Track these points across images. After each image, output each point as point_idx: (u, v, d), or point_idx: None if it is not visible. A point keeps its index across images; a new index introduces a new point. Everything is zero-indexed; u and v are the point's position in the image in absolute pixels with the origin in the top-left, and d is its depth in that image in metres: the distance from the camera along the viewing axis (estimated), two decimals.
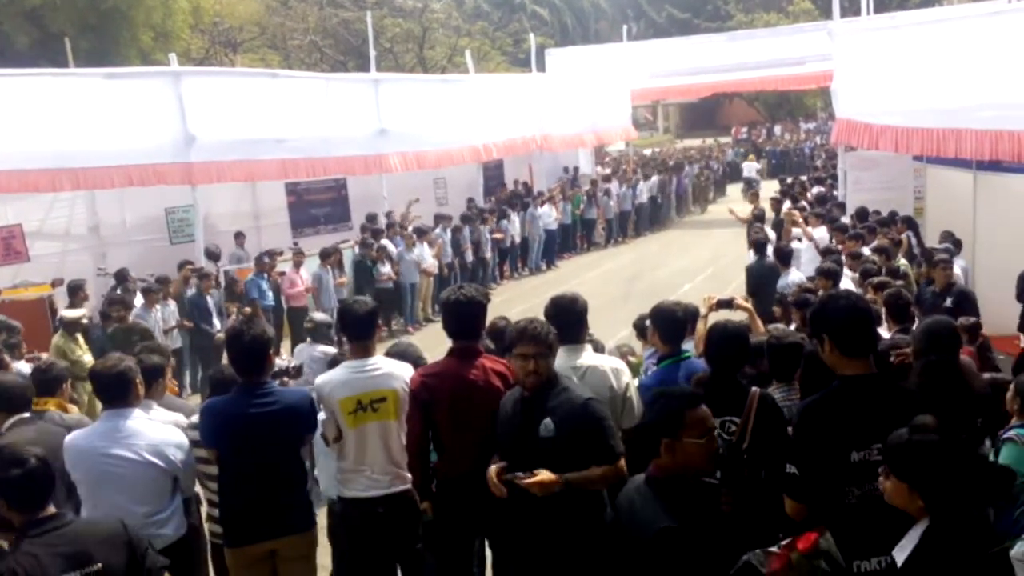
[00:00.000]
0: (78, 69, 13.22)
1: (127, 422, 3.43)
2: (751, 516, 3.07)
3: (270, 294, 9.88)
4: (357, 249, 11.46)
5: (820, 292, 5.97)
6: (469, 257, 13.40)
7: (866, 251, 8.05)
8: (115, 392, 3.45)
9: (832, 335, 2.69)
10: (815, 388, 3.04)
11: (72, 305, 7.99)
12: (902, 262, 7.98)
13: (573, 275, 14.76)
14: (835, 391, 2.70)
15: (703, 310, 4.70)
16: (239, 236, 11.48)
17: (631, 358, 4.42)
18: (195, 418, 3.88)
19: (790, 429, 3.33)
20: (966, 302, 6.41)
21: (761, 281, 8.13)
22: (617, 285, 13.19)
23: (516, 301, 11.74)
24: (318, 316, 6.49)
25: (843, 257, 7.87)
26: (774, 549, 2.46)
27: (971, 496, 2.29)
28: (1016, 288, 7.26)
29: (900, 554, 2.26)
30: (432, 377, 3.48)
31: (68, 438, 3.44)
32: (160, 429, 3.55)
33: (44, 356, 6.38)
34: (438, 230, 12.83)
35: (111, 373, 3.43)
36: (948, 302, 6.51)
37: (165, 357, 4.24)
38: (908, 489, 2.25)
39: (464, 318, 3.50)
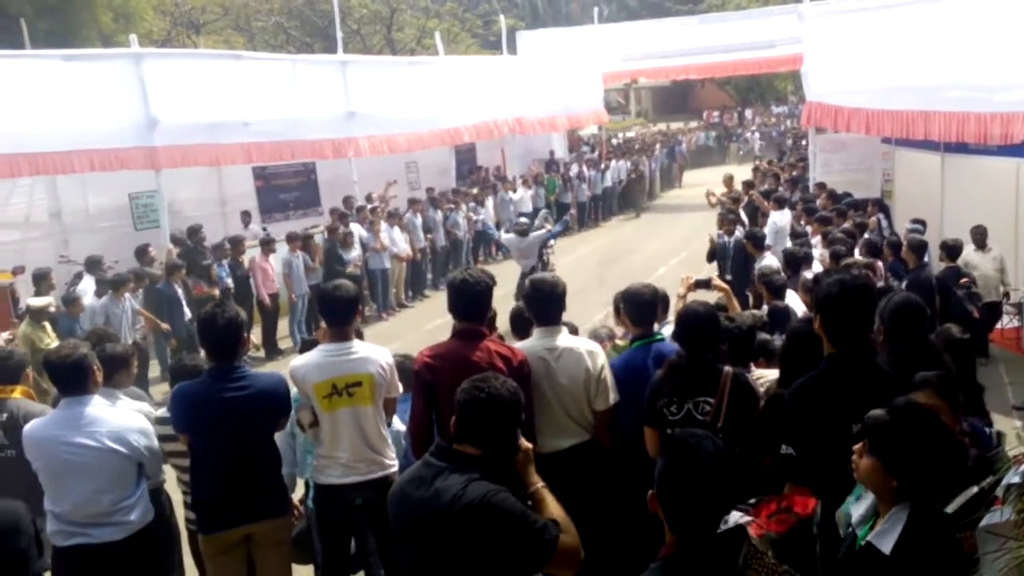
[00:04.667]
0: (36, 51, 12.78)
1: (87, 409, 3.34)
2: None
3: (229, 281, 9.74)
4: (325, 234, 11.31)
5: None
6: (441, 241, 13.28)
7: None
8: (71, 380, 3.35)
9: (823, 314, 2.75)
10: (797, 367, 3.08)
11: (38, 293, 7.81)
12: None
13: None
14: (823, 370, 2.76)
15: (681, 290, 4.71)
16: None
17: (619, 341, 4.38)
18: (162, 411, 3.79)
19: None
20: (918, 289, 6.47)
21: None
22: (592, 269, 13.18)
23: None
24: None
25: (811, 239, 8.00)
26: (748, 518, 2.39)
27: (945, 478, 2.25)
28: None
29: (883, 540, 2.18)
30: (436, 358, 3.39)
31: (27, 428, 3.35)
32: (121, 415, 3.46)
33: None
34: (408, 214, 12.69)
35: (66, 362, 3.34)
36: (902, 285, 6.60)
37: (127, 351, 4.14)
38: (884, 470, 2.21)
39: (470, 300, 3.42)
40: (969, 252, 7.86)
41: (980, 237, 8.01)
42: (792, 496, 2.39)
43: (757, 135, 29.71)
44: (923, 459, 2.17)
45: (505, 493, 2.21)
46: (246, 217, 12.03)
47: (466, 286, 3.41)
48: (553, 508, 2.34)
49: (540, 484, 2.39)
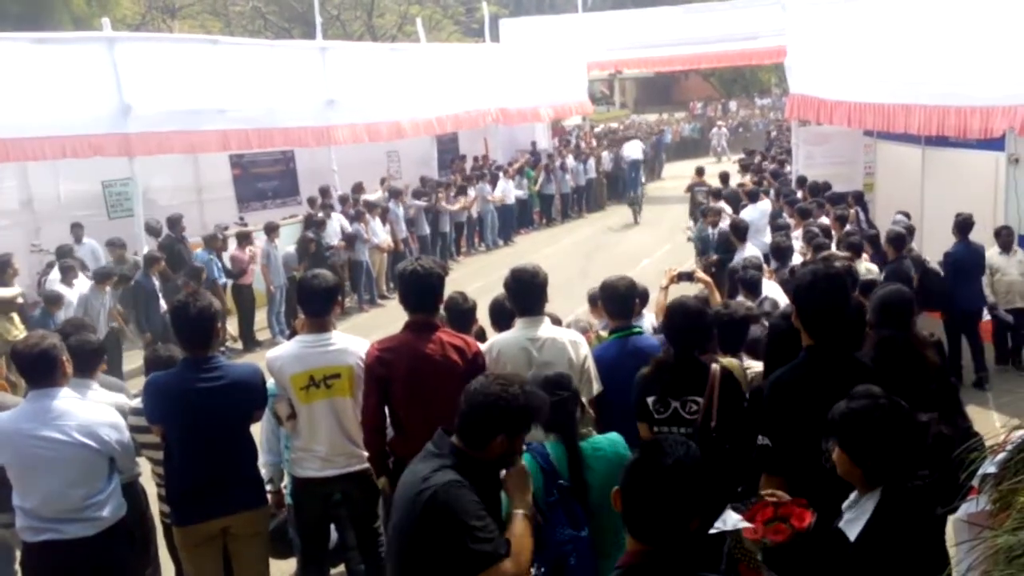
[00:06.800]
0: (5, 34, 12.43)
1: (55, 402, 3.24)
2: (718, 492, 3.06)
3: (224, 279, 9.60)
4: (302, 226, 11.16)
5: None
6: (425, 231, 13.18)
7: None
8: (39, 371, 3.25)
9: (798, 305, 2.77)
10: (778, 361, 3.05)
11: (1, 283, 7.59)
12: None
13: (531, 251, 14.67)
14: (801, 362, 2.78)
15: (664, 282, 4.69)
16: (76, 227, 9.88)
17: (602, 332, 4.34)
18: (137, 402, 3.70)
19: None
20: (897, 281, 6.48)
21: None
22: (575, 260, 13.15)
23: (473, 277, 11.61)
24: None
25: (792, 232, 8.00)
26: (745, 523, 2.37)
27: (913, 464, 2.25)
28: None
29: (850, 528, 2.20)
30: (388, 351, 3.36)
31: None
32: (91, 408, 3.37)
33: None
34: (391, 204, 12.57)
35: (33, 352, 3.24)
36: (881, 276, 6.60)
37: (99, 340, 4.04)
38: (850, 460, 2.24)
39: (421, 291, 3.39)
40: (993, 255, 7.29)
41: (1007, 239, 7.27)
42: (791, 507, 2.38)
43: (725, 131, 29.49)
44: (883, 446, 2.19)
45: (466, 489, 2.20)
46: (77, 230, 9.84)
47: (416, 277, 3.37)
48: (519, 533, 2.29)
49: (523, 512, 2.34)
